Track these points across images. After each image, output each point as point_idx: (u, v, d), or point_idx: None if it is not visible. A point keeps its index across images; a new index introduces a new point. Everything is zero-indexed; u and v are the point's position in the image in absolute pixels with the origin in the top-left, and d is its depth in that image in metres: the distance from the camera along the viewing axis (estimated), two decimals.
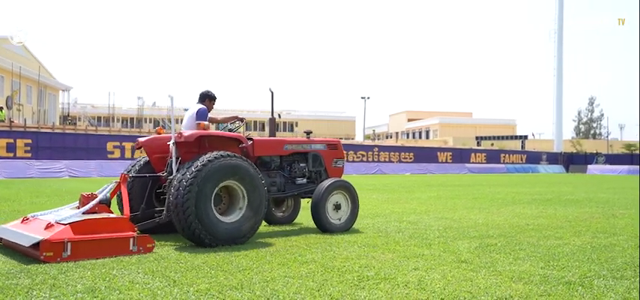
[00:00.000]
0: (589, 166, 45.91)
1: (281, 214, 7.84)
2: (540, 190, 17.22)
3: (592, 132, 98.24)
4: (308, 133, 7.74)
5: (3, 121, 29.68)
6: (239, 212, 5.92)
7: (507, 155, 46.25)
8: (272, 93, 7.51)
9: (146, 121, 69.50)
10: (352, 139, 68.98)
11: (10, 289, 3.75)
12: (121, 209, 6.27)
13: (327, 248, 5.64)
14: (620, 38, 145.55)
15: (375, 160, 36.36)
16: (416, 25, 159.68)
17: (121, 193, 5.85)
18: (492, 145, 59.44)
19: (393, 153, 38.75)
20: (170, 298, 3.65)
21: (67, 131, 30.39)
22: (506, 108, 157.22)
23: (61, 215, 5.18)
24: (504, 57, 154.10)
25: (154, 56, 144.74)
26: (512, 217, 8.93)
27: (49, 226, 4.92)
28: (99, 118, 70.70)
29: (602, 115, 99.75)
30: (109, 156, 26.40)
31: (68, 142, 25.98)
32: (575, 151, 58.11)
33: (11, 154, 23.61)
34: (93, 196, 5.49)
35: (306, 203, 8.04)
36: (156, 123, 69.77)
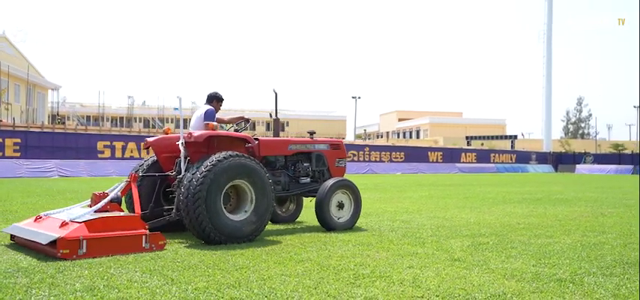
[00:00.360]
0: (577, 166, 46.39)
1: (284, 212, 7.96)
2: (530, 190, 17.40)
3: (580, 132, 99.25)
4: (311, 133, 7.86)
5: None
6: (244, 214, 6.03)
7: (497, 155, 46.62)
8: (276, 94, 7.63)
9: (136, 121, 69.12)
10: (343, 138, 69.21)
11: (8, 288, 3.77)
12: (129, 208, 6.40)
13: (322, 247, 5.69)
14: (609, 39, 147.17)
15: (366, 159, 36.48)
16: (406, 25, 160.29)
17: (131, 191, 5.97)
18: (482, 144, 59.87)
19: (384, 152, 38.90)
20: (169, 296, 3.69)
21: (57, 130, 30.20)
22: (496, 108, 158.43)
23: (74, 213, 5.30)
24: (494, 57, 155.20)
25: (143, 55, 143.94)
26: (503, 216, 9.04)
27: (63, 224, 5.03)
28: (88, 117, 70.22)
29: (590, 115, 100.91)
30: (100, 155, 26.25)
31: (58, 141, 25.79)
32: (563, 150, 58.72)
33: (0, 153, 23.40)
34: (104, 195, 5.61)
35: (308, 202, 8.13)
36: (146, 122, 69.49)
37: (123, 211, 5.73)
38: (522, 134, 74.37)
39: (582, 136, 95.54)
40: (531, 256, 5.37)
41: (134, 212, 5.75)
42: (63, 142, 25.93)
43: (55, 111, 55.04)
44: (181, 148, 6.09)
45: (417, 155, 40.89)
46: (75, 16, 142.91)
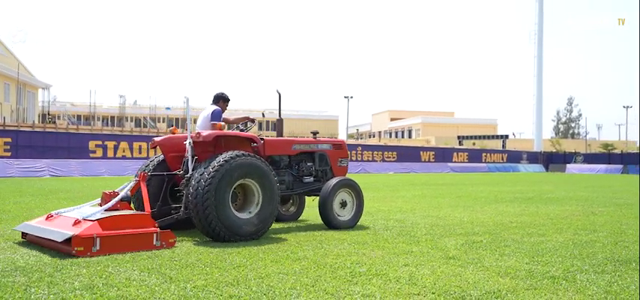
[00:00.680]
0: (568, 165, 46.74)
1: (287, 211, 8.08)
2: (521, 189, 17.55)
3: (571, 132, 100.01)
4: (314, 133, 7.99)
5: None
6: (247, 214, 6.14)
7: (489, 155, 46.87)
8: (279, 95, 7.74)
9: (127, 120, 68.77)
10: (335, 138, 69.16)
11: (7, 287, 3.77)
12: (137, 207, 6.49)
13: (318, 246, 5.74)
14: (598, 40, 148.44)
15: (359, 159, 36.54)
16: (399, 25, 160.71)
17: (139, 190, 6.08)
18: (474, 144, 60.19)
19: (376, 152, 38.99)
20: (168, 294, 3.71)
21: (48, 130, 30.00)
22: (487, 108, 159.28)
23: (86, 212, 5.40)
24: (486, 58, 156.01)
25: (134, 54, 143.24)
26: (496, 215, 9.13)
27: (77, 222, 5.14)
28: (79, 117, 69.75)
29: (580, 115, 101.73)
30: (91, 155, 26.10)
31: (49, 141, 25.62)
32: (554, 150, 59.08)
33: None
34: (114, 194, 5.73)
35: (310, 201, 8.27)
36: (137, 122, 69.14)
37: (132, 209, 5.86)
38: (513, 134, 74.84)
39: (572, 135, 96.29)
40: (524, 254, 5.45)
41: (142, 211, 5.87)
42: (54, 141, 25.76)
43: (45, 110, 54.63)
44: (189, 147, 6.21)
45: (409, 155, 41.03)
46: (64, 15, 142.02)
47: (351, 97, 65.13)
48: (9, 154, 23.70)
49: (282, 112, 7.88)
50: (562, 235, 6.86)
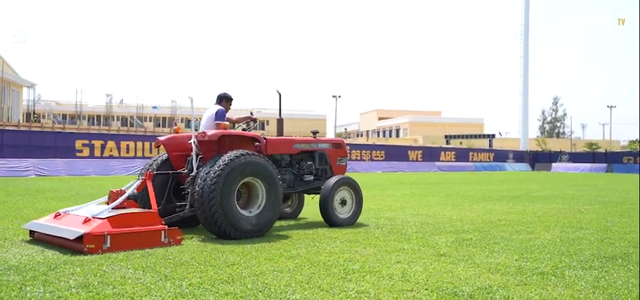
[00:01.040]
0: (553, 164, 47.27)
1: (287, 209, 8.21)
2: (508, 188, 17.75)
3: (556, 131, 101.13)
4: (314, 132, 8.13)
5: None
6: (247, 213, 6.21)
7: (476, 154, 47.26)
8: (280, 95, 7.85)
9: (114, 119, 68.19)
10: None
11: (2, 286, 3.77)
12: (142, 205, 6.50)
13: (311, 244, 5.78)
14: (584, 40, 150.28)
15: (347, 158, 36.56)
16: (386, 25, 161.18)
17: (144, 188, 6.18)
18: (461, 143, 60.65)
19: (364, 151, 39.15)
20: (164, 291, 3.73)
21: (34, 129, 29.68)
22: (474, 107, 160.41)
23: (93, 210, 5.48)
24: (472, 57, 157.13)
25: (120, 53, 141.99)
26: (485, 213, 9.25)
27: (87, 220, 5.23)
28: (64, 116, 68.98)
29: (565, 114, 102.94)
30: (78, 155, 25.88)
31: (35, 140, 25.36)
32: (540, 149, 59.71)
33: None
34: (121, 193, 5.83)
35: (309, 199, 8.42)
36: (123, 121, 68.59)
37: (139, 207, 5.96)
38: (500, 133, 75.63)
39: (558, 135, 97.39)
40: (514, 251, 5.55)
41: (147, 208, 5.95)
42: (40, 140, 25.50)
43: (30, 109, 53.98)
44: (193, 146, 6.32)
45: (397, 154, 41.25)
46: (48, 12, 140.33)
47: (339, 97, 65.50)
48: None
49: (277, 111, 7.98)
50: (549, 232, 6.98)
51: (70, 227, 5.21)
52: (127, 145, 27.27)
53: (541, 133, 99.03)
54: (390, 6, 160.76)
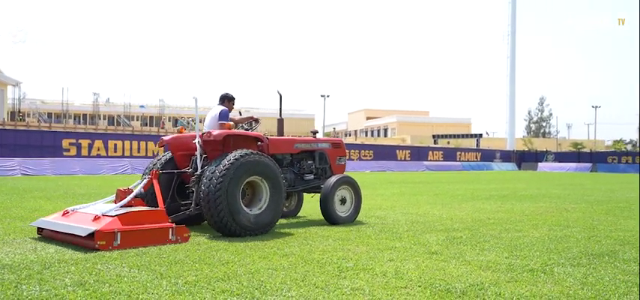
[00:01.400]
0: (539, 164, 47.80)
1: (287, 207, 8.30)
2: (496, 187, 17.95)
3: (542, 131, 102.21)
4: (314, 132, 8.25)
5: None
6: (252, 212, 6.30)
7: (463, 153, 47.61)
8: (280, 96, 7.94)
9: (100, 118, 67.63)
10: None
11: None
12: (147, 203, 6.57)
13: (304, 242, 5.83)
14: (570, 40, 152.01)
15: None
16: (374, 25, 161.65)
17: (150, 187, 6.29)
18: (449, 143, 61.05)
19: (353, 151, 39.23)
20: (160, 289, 3.75)
21: (19, 128, 29.35)
22: (461, 107, 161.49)
23: (102, 208, 5.57)
24: (460, 58, 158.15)
25: (107, 51, 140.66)
26: (474, 212, 9.36)
27: (97, 218, 5.36)
28: (50, 114, 68.24)
29: (551, 114, 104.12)
30: (65, 154, 25.62)
31: (20, 139, 25.05)
32: (526, 149, 60.30)
33: None
34: (129, 191, 5.93)
35: (309, 197, 8.51)
36: (110, 120, 68.05)
37: (146, 206, 6.05)
38: (487, 133, 76.21)
39: (544, 135, 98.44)
40: (504, 248, 5.64)
41: (154, 207, 6.04)
42: (26, 139, 25.20)
43: (15, 108, 53.33)
44: (198, 146, 6.42)
45: (385, 153, 41.41)
46: (33, 10, 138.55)
47: (328, 96, 65.55)
48: None
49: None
50: (538, 230, 7.10)
51: (80, 224, 5.31)
52: (115, 144, 27.06)
53: (527, 133, 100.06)
54: (378, 6, 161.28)
